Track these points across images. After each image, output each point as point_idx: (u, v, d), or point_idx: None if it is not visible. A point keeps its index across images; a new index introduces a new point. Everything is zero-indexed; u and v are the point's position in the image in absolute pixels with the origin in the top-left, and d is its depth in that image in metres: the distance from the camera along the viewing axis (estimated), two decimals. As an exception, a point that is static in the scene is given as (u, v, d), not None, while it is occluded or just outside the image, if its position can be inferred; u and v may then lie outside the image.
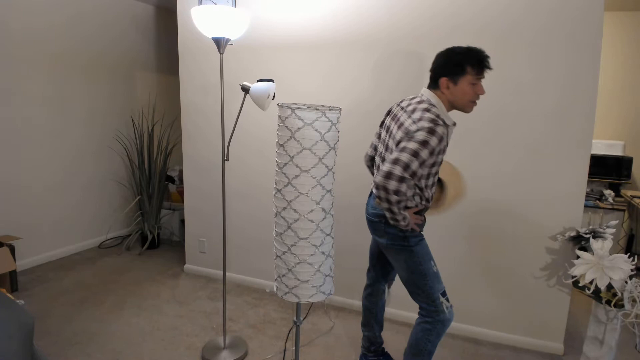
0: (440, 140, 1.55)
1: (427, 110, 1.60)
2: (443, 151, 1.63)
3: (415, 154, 1.52)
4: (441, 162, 1.69)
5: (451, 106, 1.68)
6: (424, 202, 1.74)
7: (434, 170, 1.67)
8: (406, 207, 1.70)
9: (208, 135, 3.11)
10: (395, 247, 1.76)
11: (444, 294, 1.72)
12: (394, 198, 1.52)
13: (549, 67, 2.16)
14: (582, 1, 2.06)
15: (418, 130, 1.55)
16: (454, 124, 1.67)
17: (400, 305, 2.63)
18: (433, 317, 1.71)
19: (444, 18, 2.31)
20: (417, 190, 1.69)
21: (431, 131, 1.53)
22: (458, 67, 1.60)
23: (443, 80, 1.64)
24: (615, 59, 3.74)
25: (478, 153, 2.35)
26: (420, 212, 1.77)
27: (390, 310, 2.65)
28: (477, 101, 1.66)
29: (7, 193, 3.11)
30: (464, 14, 2.28)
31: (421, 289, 1.73)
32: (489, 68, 1.61)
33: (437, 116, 1.58)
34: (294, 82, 2.75)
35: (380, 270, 2.05)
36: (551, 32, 2.13)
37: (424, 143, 1.52)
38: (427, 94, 1.69)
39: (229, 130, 2.86)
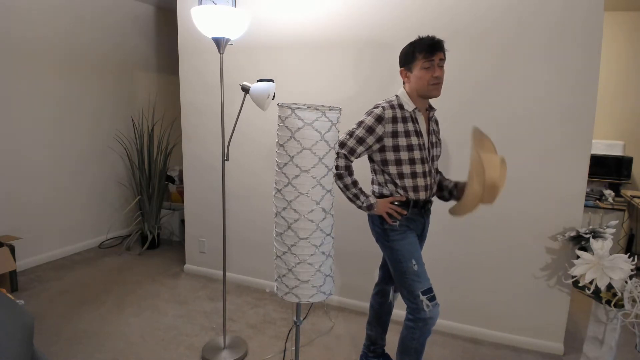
0: (378, 119, 1.68)
1: (383, 100, 1.76)
2: (405, 134, 1.69)
3: (350, 133, 1.72)
4: (411, 148, 1.70)
5: (417, 94, 1.73)
6: (401, 192, 1.75)
7: (402, 156, 1.70)
8: (382, 195, 1.79)
9: (208, 135, 3.11)
10: (380, 243, 1.85)
11: (426, 292, 1.71)
12: (334, 172, 1.61)
13: (549, 68, 2.16)
14: (582, 1, 2.06)
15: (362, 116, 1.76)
16: (416, 110, 1.73)
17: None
18: (414, 315, 1.73)
19: (447, 21, 2.31)
20: (387, 177, 1.77)
21: (369, 113, 1.73)
22: (409, 55, 1.71)
23: (401, 71, 1.77)
24: (615, 59, 3.74)
25: (478, 153, 2.35)
26: (405, 206, 1.77)
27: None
28: (438, 83, 1.69)
29: (7, 193, 3.11)
30: (466, 17, 2.28)
31: (403, 286, 1.76)
32: (440, 51, 1.66)
33: (390, 102, 1.72)
34: (294, 82, 2.75)
35: (387, 270, 2.05)
36: (551, 33, 2.13)
37: (359, 122, 1.73)
38: (400, 89, 1.80)
39: (229, 131, 2.86)
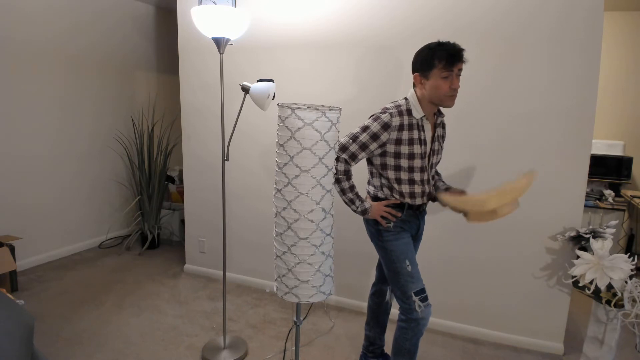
0: (385, 126, 1.63)
1: (391, 104, 1.71)
2: (409, 142, 1.66)
3: (354, 137, 1.67)
4: (412, 157, 1.67)
5: (430, 101, 1.67)
6: (397, 196, 1.75)
7: (403, 163, 1.68)
8: (376, 197, 1.79)
9: (208, 135, 3.11)
10: (374, 243, 1.85)
11: (418, 292, 1.71)
12: (333, 176, 1.55)
13: (549, 68, 2.16)
14: (582, 1, 2.06)
15: (367, 119, 1.70)
16: (424, 117, 1.68)
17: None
18: (406, 315, 1.73)
19: (447, 21, 2.31)
20: (384, 181, 1.75)
21: (375, 118, 1.66)
22: (427, 62, 1.62)
23: (416, 76, 1.68)
24: (616, 59, 3.74)
25: (478, 153, 2.35)
26: (400, 208, 1.77)
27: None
28: (454, 95, 1.64)
29: (7, 193, 3.11)
30: (466, 17, 2.28)
31: (396, 286, 1.76)
32: (461, 61, 1.59)
33: (398, 107, 1.67)
34: (294, 82, 2.75)
35: (383, 270, 2.05)
36: (551, 33, 2.13)
37: (364, 128, 1.66)
38: (409, 91, 1.74)
39: (229, 130, 2.86)
